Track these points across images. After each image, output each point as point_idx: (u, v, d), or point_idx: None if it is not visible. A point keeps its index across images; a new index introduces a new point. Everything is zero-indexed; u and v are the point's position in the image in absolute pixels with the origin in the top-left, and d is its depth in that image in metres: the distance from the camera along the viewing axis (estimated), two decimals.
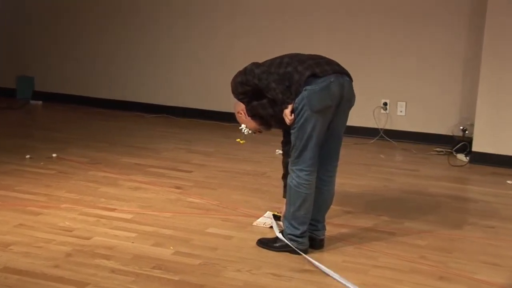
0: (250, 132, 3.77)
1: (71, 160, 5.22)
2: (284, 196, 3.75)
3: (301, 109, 3.33)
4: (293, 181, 3.46)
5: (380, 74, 6.25)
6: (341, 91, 3.38)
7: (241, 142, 3.92)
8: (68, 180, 4.72)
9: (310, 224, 3.57)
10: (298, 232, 3.50)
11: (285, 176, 3.73)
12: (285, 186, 3.75)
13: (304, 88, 3.32)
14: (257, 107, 3.54)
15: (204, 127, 6.61)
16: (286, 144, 3.70)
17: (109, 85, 7.22)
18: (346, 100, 3.44)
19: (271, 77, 3.38)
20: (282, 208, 3.82)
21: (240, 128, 3.77)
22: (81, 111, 7.06)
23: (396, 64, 6.20)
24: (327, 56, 3.52)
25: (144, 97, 7.10)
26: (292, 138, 3.43)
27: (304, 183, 3.44)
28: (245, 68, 3.48)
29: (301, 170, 3.43)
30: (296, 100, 3.34)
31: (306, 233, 3.52)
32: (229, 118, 6.67)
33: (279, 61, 3.45)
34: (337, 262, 3.47)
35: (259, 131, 3.77)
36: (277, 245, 3.56)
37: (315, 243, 3.59)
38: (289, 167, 3.49)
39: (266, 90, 3.40)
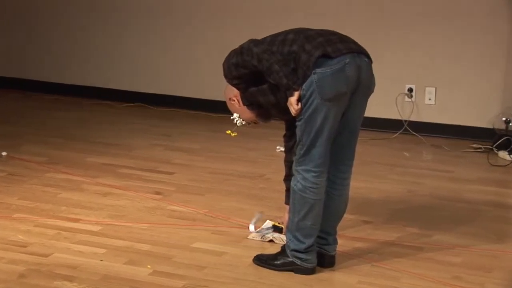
0: (244, 123, 3.80)
1: (24, 159, 5.23)
2: (287, 203, 3.78)
3: (310, 96, 3.36)
4: (298, 184, 3.49)
5: (404, 54, 6.27)
6: (358, 74, 3.41)
7: (232, 134, 3.94)
8: (21, 184, 4.74)
9: (319, 237, 3.61)
10: (303, 247, 3.53)
11: (287, 178, 3.77)
12: (287, 190, 3.77)
13: (314, 71, 3.34)
14: (255, 94, 3.56)
15: (187, 118, 6.63)
16: (290, 139, 3.73)
17: (70, 67, 7.23)
18: (364, 86, 3.47)
19: (273, 57, 3.39)
20: (284, 218, 3.85)
21: (232, 118, 3.79)
22: (36, 99, 7.08)
23: (424, 42, 6.22)
24: (339, 32, 3.55)
25: (114, 82, 7.11)
26: (298, 132, 3.45)
27: (311, 187, 3.47)
28: (241, 47, 3.49)
29: (307, 171, 3.46)
30: (304, 86, 3.36)
31: (313, 248, 3.56)
32: (219, 107, 6.69)
33: (282, 38, 3.47)
34: (351, 283, 3.50)
35: (254, 123, 3.80)
36: (278, 262, 3.59)
37: (324, 260, 3.63)
38: (294, 167, 3.52)
39: (268, 73, 3.41)
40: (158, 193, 4.65)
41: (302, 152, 3.45)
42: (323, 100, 3.35)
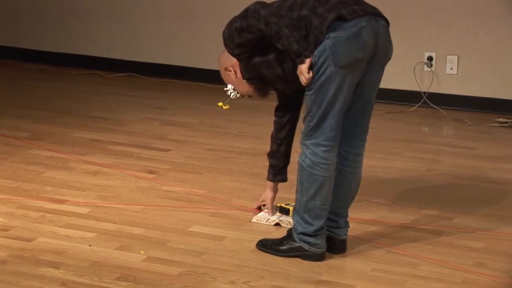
0: (238, 96, 3.80)
1: (5, 135, 5.24)
2: (269, 179, 3.90)
3: (323, 63, 3.35)
4: (307, 160, 3.49)
5: (423, 18, 6.25)
6: (375, 39, 3.41)
7: (224, 107, 3.95)
8: (1, 162, 4.75)
9: (329, 219, 3.62)
10: (312, 229, 3.54)
11: (273, 155, 3.83)
12: (271, 166, 3.86)
13: (327, 36, 3.33)
14: (259, 66, 3.54)
15: (184, 90, 6.63)
16: (283, 114, 3.80)
17: (55, 33, 7.21)
18: (381, 52, 3.47)
19: (282, 20, 3.37)
20: (266, 195, 3.96)
21: (225, 89, 3.79)
22: (18, 68, 7.07)
23: (445, 5, 6.19)
24: None
25: (103, 50, 7.10)
26: (308, 102, 3.45)
27: (321, 163, 3.47)
28: (246, 10, 3.47)
29: (317, 145, 3.46)
30: (316, 53, 3.35)
31: (323, 232, 3.57)
32: (219, 78, 6.68)
33: (291, 2, 3.45)
34: (364, 271, 3.52)
35: (249, 96, 3.80)
36: (284, 248, 3.61)
37: (335, 245, 3.64)
38: (301, 141, 3.53)
39: (276, 38, 3.38)
40: (152, 172, 4.66)
41: (311, 124, 3.45)
42: (338, 67, 3.34)
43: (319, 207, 3.52)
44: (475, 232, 3.95)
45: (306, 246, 3.55)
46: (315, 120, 3.44)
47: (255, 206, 4.07)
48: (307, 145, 3.49)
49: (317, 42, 3.35)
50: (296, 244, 3.57)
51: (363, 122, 3.61)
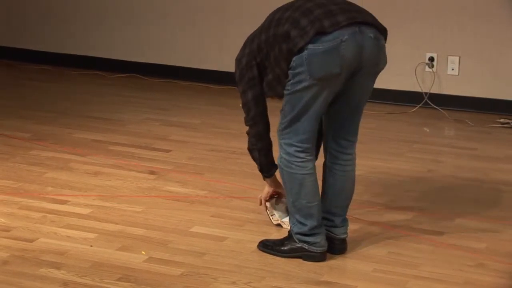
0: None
1: (7, 135, 5.24)
2: (260, 171, 3.86)
3: (299, 73, 3.37)
4: (283, 160, 3.53)
5: (424, 19, 6.25)
6: (358, 53, 3.38)
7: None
8: (3, 162, 4.75)
9: (325, 218, 3.63)
10: (306, 229, 3.55)
11: (251, 150, 3.78)
12: (255, 159, 3.80)
13: (306, 47, 3.33)
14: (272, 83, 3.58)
15: (185, 90, 6.63)
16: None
17: (57, 34, 7.21)
18: (369, 64, 3.45)
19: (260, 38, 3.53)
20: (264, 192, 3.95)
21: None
22: (20, 69, 7.07)
23: (446, 7, 6.19)
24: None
25: (104, 51, 7.10)
26: (283, 101, 3.48)
27: (296, 161, 3.50)
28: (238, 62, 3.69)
29: (290, 145, 3.49)
30: (295, 58, 3.36)
31: (319, 230, 3.57)
32: (220, 79, 6.70)
33: (279, 17, 3.47)
34: (365, 271, 3.52)
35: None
36: (285, 248, 3.61)
37: (334, 245, 3.64)
38: (278, 139, 3.56)
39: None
40: (153, 172, 4.66)
41: (285, 122, 3.49)
42: (313, 79, 3.35)
43: (306, 206, 3.53)
44: (476, 233, 3.95)
45: (306, 246, 3.55)
46: (287, 120, 3.47)
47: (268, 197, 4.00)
48: (281, 145, 3.53)
49: (292, 54, 3.37)
50: (297, 245, 3.57)
51: (352, 125, 3.62)
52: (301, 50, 3.33)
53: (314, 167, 3.55)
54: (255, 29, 3.69)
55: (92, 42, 7.10)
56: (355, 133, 3.64)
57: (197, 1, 6.74)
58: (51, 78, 6.87)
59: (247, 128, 3.71)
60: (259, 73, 3.54)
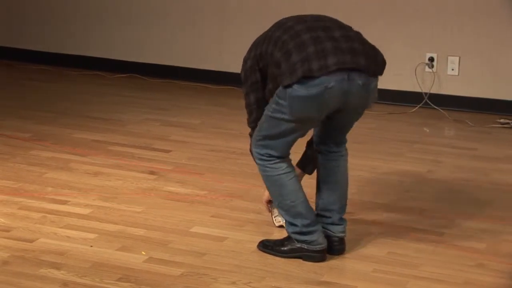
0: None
1: (7, 135, 5.24)
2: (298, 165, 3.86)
3: (281, 104, 3.40)
4: (258, 166, 3.60)
5: (424, 20, 6.25)
6: (343, 99, 3.40)
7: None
8: (3, 162, 4.75)
9: (322, 216, 3.65)
10: (298, 229, 3.56)
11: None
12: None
13: (292, 85, 3.34)
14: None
15: (185, 91, 6.63)
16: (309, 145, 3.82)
17: (57, 34, 7.22)
18: (354, 107, 3.50)
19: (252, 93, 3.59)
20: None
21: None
22: (20, 69, 7.08)
23: (446, 7, 6.19)
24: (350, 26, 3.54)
25: (104, 51, 7.10)
26: (263, 115, 3.52)
27: (268, 164, 3.54)
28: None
29: (262, 154, 3.55)
30: (281, 89, 3.40)
31: (313, 227, 3.56)
32: (219, 78, 6.71)
33: (278, 36, 3.47)
34: (365, 272, 3.52)
35: None
36: (285, 249, 3.61)
37: (332, 245, 3.64)
38: (251, 145, 3.62)
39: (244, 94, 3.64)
40: (153, 172, 4.66)
41: (259, 137, 3.53)
42: (292, 116, 3.40)
43: (291, 205, 3.55)
44: (476, 233, 3.95)
45: (305, 246, 3.55)
46: (262, 135, 3.52)
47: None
48: (253, 152, 3.59)
49: (280, 84, 3.40)
50: (297, 245, 3.58)
51: (341, 135, 3.67)
52: (287, 86, 3.35)
53: (289, 166, 3.57)
54: (260, 31, 3.69)
55: (92, 42, 7.11)
56: (344, 140, 3.70)
57: (197, 1, 6.74)
58: (51, 78, 6.87)
59: (248, 128, 3.71)
60: (262, 78, 3.55)
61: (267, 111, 3.49)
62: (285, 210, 3.58)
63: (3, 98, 6.18)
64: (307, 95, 3.33)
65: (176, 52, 6.88)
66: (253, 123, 3.62)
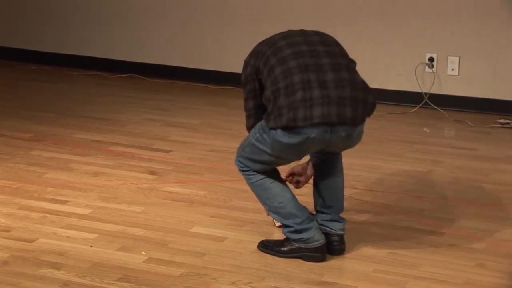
0: None
1: (7, 135, 5.24)
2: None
3: (264, 138, 3.47)
4: (242, 176, 3.68)
5: (424, 20, 6.25)
6: (324, 146, 3.48)
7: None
8: (3, 162, 4.75)
9: (320, 212, 3.68)
10: (292, 229, 3.57)
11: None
12: None
13: (276, 129, 3.40)
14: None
15: (185, 91, 6.63)
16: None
17: (58, 35, 7.22)
18: (336, 149, 3.58)
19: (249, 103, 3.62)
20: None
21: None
22: (20, 69, 7.08)
23: (446, 7, 6.20)
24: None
25: (104, 51, 7.11)
26: (248, 136, 3.60)
27: (249, 172, 3.62)
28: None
29: (243, 167, 3.64)
30: (266, 124, 3.45)
31: (307, 224, 3.56)
32: (219, 78, 6.71)
33: (270, 65, 3.48)
34: (365, 272, 3.52)
35: None
36: (285, 249, 3.61)
37: (332, 244, 3.63)
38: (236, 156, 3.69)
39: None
40: (153, 173, 4.66)
41: (242, 156, 3.62)
42: (273, 152, 3.48)
43: (280, 206, 3.57)
44: (476, 233, 3.95)
45: (302, 245, 3.56)
46: (245, 156, 3.61)
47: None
48: (235, 162, 3.68)
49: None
50: (296, 245, 3.58)
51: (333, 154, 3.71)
52: (271, 128, 3.41)
53: (270, 170, 3.65)
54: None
55: (92, 42, 7.11)
56: (338, 156, 3.74)
57: (196, 2, 6.74)
58: (51, 78, 6.88)
59: (245, 129, 3.73)
60: (260, 87, 3.56)
61: (251, 137, 3.56)
62: (277, 213, 3.61)
63: (3, 98, 6.18)
64: (288, 142, 3.39)
65: (176, 52, 6.88)
66: (251, 128, 3.64)
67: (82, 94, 6.43)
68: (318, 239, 3.56)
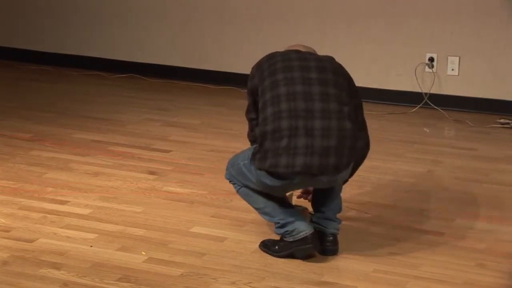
0: None
1: (7, 135, 5.25)
2: None
3: (251, 170, 3.57)
4: (229, 182, 3.75)
5: (424, 20, 6.25)
6: (309, 186, 3.62)
7: None
8: (3, 162, 4.75)
9: (315, 210, 3.71)
10: (278, 224, 3.61)
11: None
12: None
13: (260, 168, 3.49)
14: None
15: (185, 91, 6.63)
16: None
17: (58, 35, 7.22)
18: (322, 187, 3.62)
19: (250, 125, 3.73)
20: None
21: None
22: (20, 69, 7.08)
23: (446, 7, 6.20)
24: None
25: (104, 51, 7.11)
26: (238, 155, 3.71)
27: (235, 182, 3.69)
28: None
29: (229, 176, 3.73)
30: (251, 157, 3.56)
31: (291, 218, 3.59)
32: (219, 78, 6.71)
33: (264, 100, 3.53)
34: (365, 272, 3.52)
35: None
36: (277, 247, 3.63)
37: (325, 244, 3.63)
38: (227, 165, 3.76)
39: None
40: (153, 173, 4.66)
41: (231, 167, 3.71)
42: (258, 187, 3.58)
43: (266, 206, 3.62)
44: (476, 233, 3.95)
45: (290, 238, 3.57)
46: (232, 172, 3.69)
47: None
48: (225, 174, 3.75)
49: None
50: (285, 240, 3.60)
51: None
52: (257, 168, 3.50)
53: None
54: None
55: (92, 42, 7.11)
56: None
57: (196, 2, 6.74)
58: (51, 78, 6.88)
59: (245, 129, 3.75)
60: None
61: (241, 160, 3.64)
62: (266, 213, 3.65)
63: (3, 98, 6.19)
64: (271, 184, 3.49)
65: (176, 52, 6.88)
66: (251, 137, 3.71)
67: (82, 94, 6.43)
68: (303, 230, 3.56)
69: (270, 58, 3.63)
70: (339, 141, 3.44)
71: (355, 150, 3.51)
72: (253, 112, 3.64)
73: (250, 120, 3.68)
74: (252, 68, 3.67)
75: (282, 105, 3.46)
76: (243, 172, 3.62)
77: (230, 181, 3.74)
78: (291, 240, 3.57)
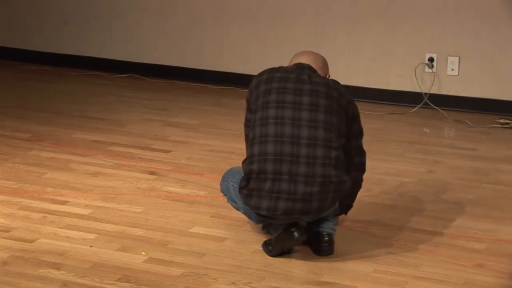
0: None
1: (6, 135, 5.25)
2: None
3: (237, 196, 3.68)
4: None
5: (424, 20, 6.25)
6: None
7: None
8: (2, 162, 4.75)
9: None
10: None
11: None
12: None
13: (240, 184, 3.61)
14: None
15: (184, 91, 6.63)
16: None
17: (57, 35, 7.22)
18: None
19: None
20: None
21: None
22: (20, 69, 7.08)
23: (446, 7, 6.20)
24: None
25: (103, 51, 7.10)
26: (227, 181, 3.76)
27: (226, 192, 3.79)
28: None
29: (221, 188, 3.82)
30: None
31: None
32: (219, 79, 6.71)
33: (257, 134, 3.57)
34: (365, 272, 3.52)
35: None
36: (270, 247, 3.64)
37: (321, 244, 3.63)
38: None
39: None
40: (153, 173, 4.66)
41: (222, 182, 3.79)
42: (245, 214, 3.68)
43: (245, 205, 3.63)
44: (476, 234, 3.95)
45: (276, 233, 3.60)
46: (223, 188, 3.78)
47: None
48: (220, 183, 3.82)
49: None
50: (275, 237, 3.61)
51: None
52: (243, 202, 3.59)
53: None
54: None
55: (92, 42, 7.10)
56: None
57: (196, 2, 6.74)
58: (51, 78, 6.88)
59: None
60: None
61: (231, 180, 3.70)
62: (246, 213, 3.69)
63: (3, 98, 6.19)
64: (255, 219, 3.60)
65: (175, 52, 6.88)
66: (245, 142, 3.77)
67: (82, 94, 6.43)
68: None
69: (270, 77, 3.63)
70: (323, 188, 3.48)
71: (341, 193, 3.55)
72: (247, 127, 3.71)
73: (245, 136, 3.72)
74: (253, 79, 3.69)
75: (269, 128, 3.51)
76: (232, 193, 3.70)
77: (223, 193, 3.82)
78: (277, 234, 3.59)
